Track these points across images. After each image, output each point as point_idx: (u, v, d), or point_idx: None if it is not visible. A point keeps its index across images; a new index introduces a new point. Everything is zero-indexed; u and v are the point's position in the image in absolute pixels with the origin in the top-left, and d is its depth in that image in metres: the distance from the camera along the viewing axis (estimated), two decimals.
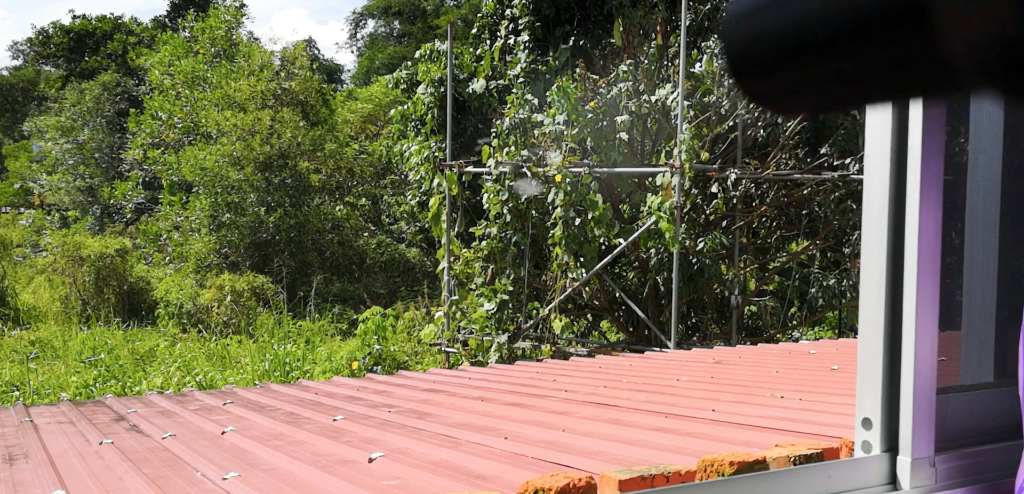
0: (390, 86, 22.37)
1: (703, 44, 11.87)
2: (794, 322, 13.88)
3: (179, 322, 18.67)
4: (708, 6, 12.97)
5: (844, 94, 0.39)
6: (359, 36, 53.13)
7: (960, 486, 1.79)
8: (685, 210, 11.50)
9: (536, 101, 12.55)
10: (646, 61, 12.55)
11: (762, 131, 11.56)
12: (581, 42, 13.40)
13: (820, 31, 0.37)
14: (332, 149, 23.72)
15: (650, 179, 11.72)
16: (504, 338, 11.80)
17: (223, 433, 3.32)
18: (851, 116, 11.56)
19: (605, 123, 11.78)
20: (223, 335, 17.48)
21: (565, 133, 11.51)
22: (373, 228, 25.15)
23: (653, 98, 11.63)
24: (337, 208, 24.16)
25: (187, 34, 28.98)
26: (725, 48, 0.43)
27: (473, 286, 12.75)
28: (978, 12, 0.30)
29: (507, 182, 11.69)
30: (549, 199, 11.45)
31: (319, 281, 21.28)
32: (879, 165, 1.73)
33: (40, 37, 43.26)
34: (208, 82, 25.09)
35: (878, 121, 1.72)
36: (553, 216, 11.36)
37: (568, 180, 11.14)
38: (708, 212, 12.75)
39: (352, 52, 67.74)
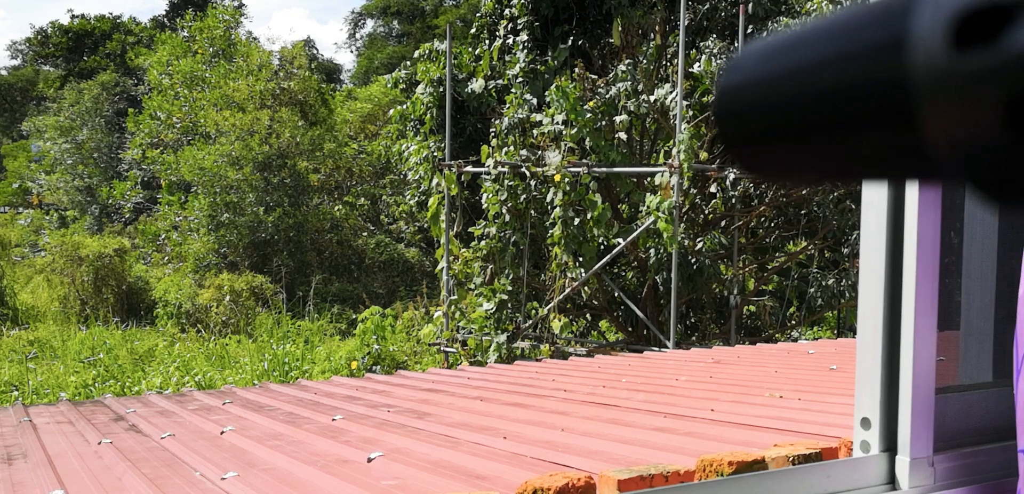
0: (389, 86, 22.34)
1: (702, 44, 11.87)
2: (793, 322, 13.89)
3: (178, 322, 18.66)
4: (707, 6, 12.97)
5: (831, 173, 0.41)
6: (358, 36, 53.14)
7: (959, 486, 1.79)
8: (684, 210, 11.50)
9: (535, 101, 12.54)
10: (645, 61, 12.55)
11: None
12: (580, 42, 13.40)
13: (809, 114, 0.38)
14: (331, 149, 23.72)
15: (649, 179, 11.72)
16: (503, 338, 11.80)
17: (222, 433, 3.32)
18: None
19: (604, 123, 11.79)
20: (222, 335, 17.47)
21: (564, 133, 11.51)
22: (372, 228, 25.14)
23: (652, 98, 11.63)
24: (336, 208, 24.15)
25: (186, 34, 28.96)
26: (717, 118, 0.44)
27: (472, 286, 12.75)
28: (961, 118, 0.31)
29: (506, 182, 11.69)
30: (548, 199, 11.45)
31: (318, 281, 21.27)
32: None
33: (39, 37, 43.24)
34: (207, 82, 25.08)
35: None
36: (552, 216, 11.36)
37: (567, 180, 11.14)
38: (707, 212, 12.75)
39: (351, 52, 67.77)
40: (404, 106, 15.05)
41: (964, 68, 0.30)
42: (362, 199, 25.04)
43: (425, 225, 18.50)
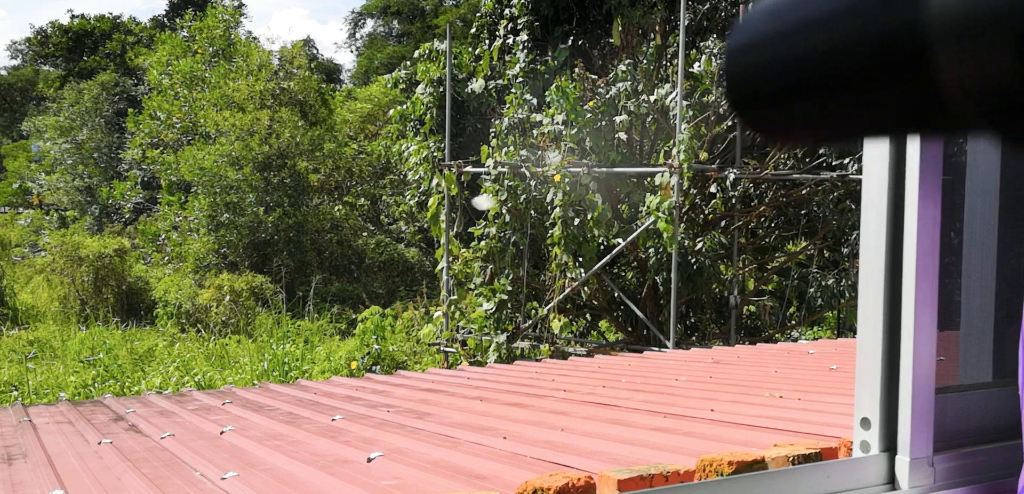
0: (389, 86, 22.36)
1: (702, 44, 11.87)
2: (793, 322, 13.89)
3: (178, 322, 18.66)
4: (707, 6, 12.97)
5: (843, 129, 0.40)
6: (358, 36, 53.15)
7: (958, 486, 1.79)
8: (684, 210, 11.50)
9: (535, 101, 12.54)
10: (645, 61, 12.55)
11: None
12: (580, 42, 13.40)
13: (821, 68, 0.37)
14: (331, 149, 23.72)
15: (649, 179, 11.72)
16: (503, 338, 11.80)
17: (222, 433, 3.32)
18: None
19: (604, 123, 11.79)
20: (222, 335, 17.47)
21: (564, 133, 11.51)
22: (372, 228, 25.14)
23: (652, 98, 11.63)
24: (336, 208, 24.15)
25: (185, 34, 28.97)
26: (725, 80, 0.43)
27: (472, 286, 12.75)
28: (977, 59, 0.31)
29: (506, 182, 11.69)
30: (548, 199, 11.45)
31: (318, 281, 21.27)
32: (878, 165, 1.73)
33: (39, 37, 43.24)
34: (206, 82, 25.08)
35: None
36: (552, 216, 11.36)
37: (567, 180, 11.14)
38: (707, 212, 12.75)
39: (351, 52, 67.77)
40: (404, 106, 15.06)
41: (977, 9, 0.30)
42: (362, 199, 25.04)
43: (425, 225, 18.50)
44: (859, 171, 10.43)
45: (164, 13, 42.42)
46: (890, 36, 0.33)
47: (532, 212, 11.75)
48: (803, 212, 12.62)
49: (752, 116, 0.42)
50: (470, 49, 14.90)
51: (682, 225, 11.27)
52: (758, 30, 0.41)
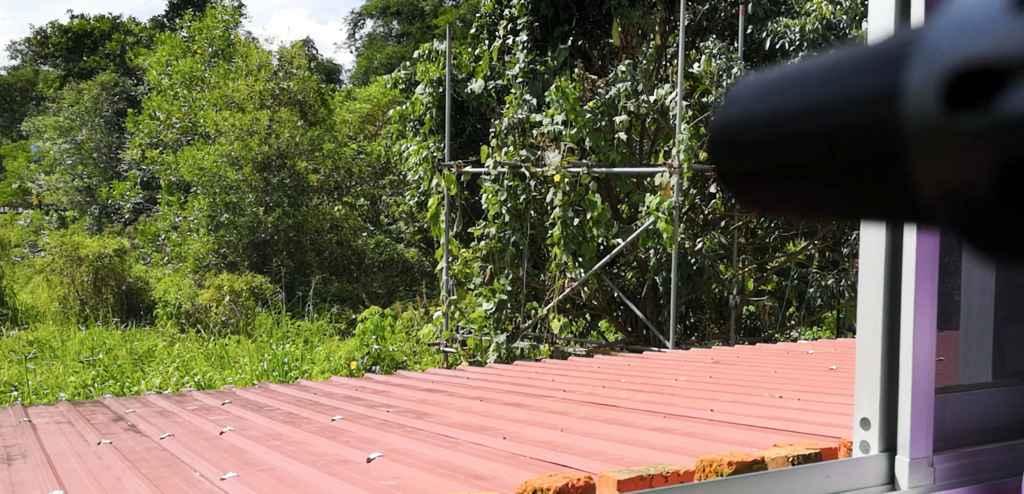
0: (388, 86, 22.35)
1: (701, 44, 11.87)
2: (792, 322, 13.89)
3: (177, 322, 18.66)
4: (706, 6, 12.97)
5: (823, 211, 0.41)
6: (358, 36, 53.16)
7: (958, 486, 1.79)
8: (683, 210, 11.50)
9: (534, 101, 12.54)
10: (644, 61, 12.55)
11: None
12: (579, 42, 13.40)
13: (803, 155, 0.39)
14: (330, 149, 23.72)
15: (648, 179, 11.72)
16: (503, 338, 11.80)
17: (221, 433, 3.32)
18: None
19: (603, 123, 11.78)
20: (221, 335, 17.47)
21: (563, 133, 11.51)
22: (372, 228, 25.14)
23: (651, 98, 11.63)
24: (335, 208, 24.15)
25: (185, 34, 28.97)
26: (712, 153, 0.45)
27: (472, 286, 12.75)
28: (950, 171, 0.32)
29: (506, 182, 11.69)
30: (548, 199, 11.45)
31: (317, 281, 21.27)
32: None
33: (38, 37, 43.23)
34: (206, 82, 25.08)
35: None
36: (552, 216, 11.36)
37: (566, 180, 11.14)
38: (706, 212, 12.75)
39: (351, 52, 67.78)
40: (404, 106, 15.05)
41: (955, 128, 0.31)
42: (362, 199, 25.04)
43: (425, 225, 18.49)
44: None
45: (164, 13, 42.44)
46: (870, 134, 0.35)
47: (532, 212, 11.75)
48: None
49: (736, 190, 0.44)
50: (470, 49, 14.90)
51: (682, 225, 11.27)
52: (745, 107, 0.43)
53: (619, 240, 11.69)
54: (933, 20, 0.32)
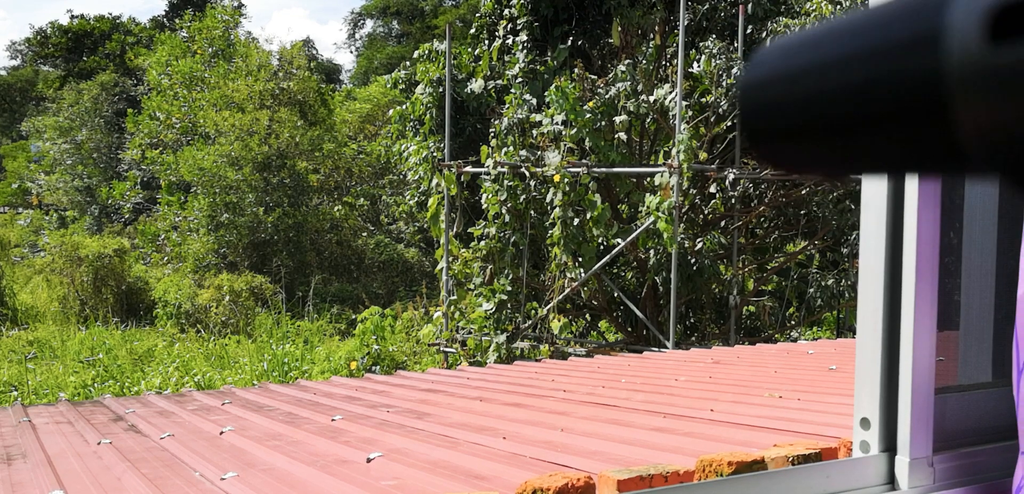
0: (388, 86, 22.35)
1: (701, 44, 11.88)
2: (792, 322, 13.89)
3: (177, 322, 18.65)
4: (706, 6, 12.97)
5: (857, 166, 0.41)
6: (358, 36, 53.17)
7: (958, 486, 1.79)
8: (683, 210, 11.50)
9: (534, 101, 12.54)
10: (644, 61, 12.55)
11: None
12: (579, 42, 13.40)
13: (837, 108, 0.38)
14: (330, 149, 23.72)
15: (648, 179, 11.72)
16: (502, 338, 11.80)
17: (221, 433, 3.32)
18: None
19: (603, 123, 11.78)
20: (221, 335, 17.47)
21: (563, 133, 11.51)
22: (372, 228, 25.14)
23: (651, 98, 11.63)
24: (335, 208, 24.15)
25: (185, 34, 28.97)
26: (741, 113, 0.44)
27: (471, 286, 12.75)
28: (996, 110, 0.31)
29: (505, 182, 11.69)
30: (548, 199, 11.46)
31: (317, 281, 21.27)
32: None
33: (38, 37, 43.24)
34: (206, 82, 25.08)
35: None
36: (552, 216, 11.36)
37: (566, 180, 11.14)
38: (706, 212, 12.75)
39: (351, 52, 67.80)
40: (403, 106, 15.05)
41: (999, 62, 0.31)
42: (362, 199, 25.04)
43: (425, 225, 18.49)
44: None
45: (163, 13, 42.44)
46: (909, 82, 0.34)
47: (532, 212, 11.75)
48: (803, 212, 12.63)
49: (766, 150, 0.44)
50: (470, 49, 14.90)
51: (682, 225, 11.27)
52: (774, 66, 0.42)
53: (619, 240, 11.69)
54: None
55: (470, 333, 12.50)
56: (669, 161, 10.97)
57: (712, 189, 12.09)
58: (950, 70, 0.32)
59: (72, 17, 42.04)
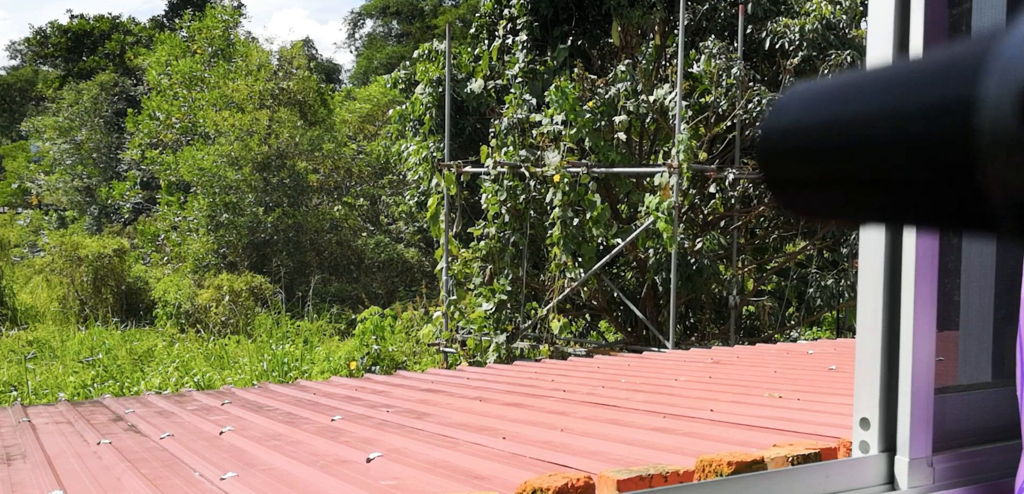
0: (388, 86, 22.37)
1: (701, 44, 11.88)
2: (792, 322, 13.89)
3: (177, 322, 18.65)
4: (706, 6, 12.97)
5: (879, 218, 0.41)
6: (357, 36, 53.17)
7: (958, 486, 1.79)
8: (683, 210, 11.50)
9: (534, 101, 12.54)
10: (644, 61, 12.55)
11: (760, 131, 11.56)
12: (579, 42, 13.41)
13: (861, 163, 0.39)
14: (330, 149, 23.72)
15: (648, 179, 11.72)
16: (502, 338, 11.80)
17: (221, 433, 3.32)
18: None
19: (603, 123, 11.79)
20: (221, 335, 17.47)
21: (563, 133, 11.51)
22: (371, 228, 25.14)
23: (651, 98, 11.63)
24: (335, 208, 24.15)
25: (184, 34, 28.96)
26: (761, 160, 0.45)
27: (471, 286, 12.75)
28: (1022, 182, 0.32)
29: (505, 182, 11.69)
30: (547, 199, 11.46)
31: (317, 281, 21.27)
32: None
33: (38, 37, 43.23)
34: (206, 82, 25.08)
35: None
36: (551, 216, 11.36)
37: (566, 180, 11.14)
38: (706, 212, 12.75)
39: (350, 52, 67.79)
40: (403, 106, 15.06)
41: None
42: (361, 199, 25.04)
43: (424, 225, 18.49)
44: None
45: (163, 13, 42.45)
46: (940, 144, 0.34)
47: (531, 212, 11.75)
48: None
49: (786, 197, 0.44)
50: (469, 49, 14.90)
51: (681, 225, 11.27)
52: (797, 115, 0.42)
53: (619, 240, 11.69)
54: (1009, 31, 0.32)
55: (470, 333, 12.51)
56: (669, 161, 10.97)
57: (712, 189, 12.09)
58: (982, 140, 0.32)
59: (72, 17, 42.05)
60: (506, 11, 14.01)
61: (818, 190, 0.42)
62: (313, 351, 15.45)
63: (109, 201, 29.85)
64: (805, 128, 0.42)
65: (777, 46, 12.20)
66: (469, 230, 13.12)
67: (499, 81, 14.16)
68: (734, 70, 11.34)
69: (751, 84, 11.50)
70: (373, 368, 13.28)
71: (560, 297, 11.77)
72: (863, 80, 0.39)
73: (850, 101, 0.39)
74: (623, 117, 11.81)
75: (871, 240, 1.77)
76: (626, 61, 12.25)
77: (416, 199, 15.06)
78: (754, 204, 12.42)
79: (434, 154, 13.75)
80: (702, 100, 11.86)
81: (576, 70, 12.26)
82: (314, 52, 46.53)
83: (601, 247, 11.84)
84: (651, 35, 13.23)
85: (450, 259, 12.87)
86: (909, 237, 1.71)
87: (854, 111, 0.39)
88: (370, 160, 24.83)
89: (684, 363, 5.44)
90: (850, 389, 1.84)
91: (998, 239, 0.35)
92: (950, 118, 0.34)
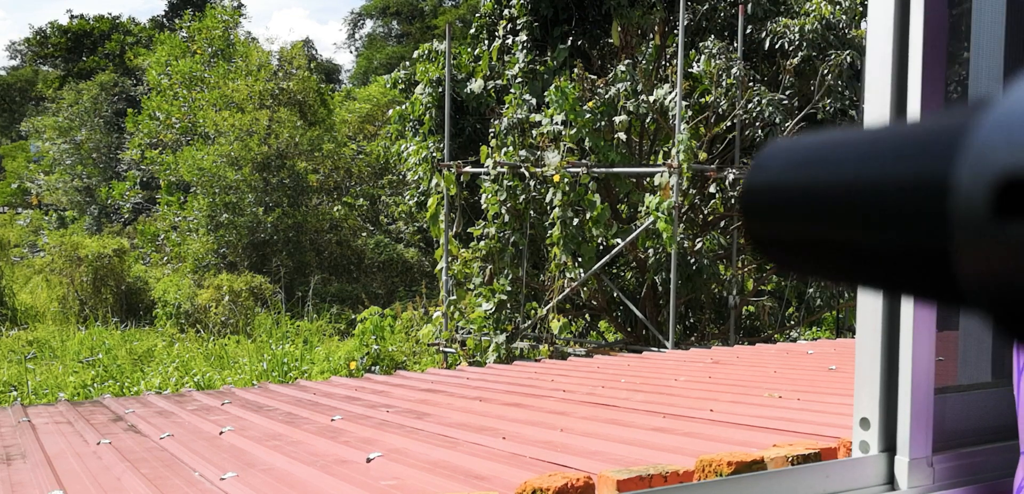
0: (388, 86, 22.35)
1: (701, 44, 11.88)
2: (792, 322, 13.89)
3: (177, 322, 18.65)
4: (706, 6, 12.97)
5: (858, 282, 0.42)
6: (357, 36, 53.18)
7: (958, 486, 1.79)
8: (683, 210, 11.50)
9: (534, 101, 12.54)
10: (644, 61, 12.55)
11: (760, 131, 11.59)
12: (579, 42, 13.41)
13: (840, 229, 0.39)
14: (330, 149, 23.71)
15: (648, 179, 11.72)
16: (502, 338, 11.80)
17: (221, 433, 3.32)
18: (849, 115, 11.57)
19: (603, 123, 11.79)
20: (221, 335, 17.46)
21: (563, 133, 11.51)
22: (371, 228, 25.14)
23: (651, 98, 11.63)
24: (335, 208, 24.15)
25: (184, 34, 28.96)
26: (744, 216, 0.46)
27: (471, 286, 12.75)
28: (993, 268, 0.32)
29: (505, 182, 11.69)
30: (547, 199, 11.46)
31: (317, 281, 21.27)
32: None
33: (38, 37, 43.22)
34: (205, 82, 25.07)
35: (875, 114, 1.72)
36: (551, 216, 11.36)
37: (566, 180, 11.14)
38: (706, 212, 12.75)
39: (350, 52, 67.78)
40: (403, 106, 15.05)
41: (1002, 236, 0.31)
42: (361, 199, 25.04)
43: (424, 225, 18.49)
44: None
45: (163, 13, 42.45)
46: (913, 221, 0.35)
47: (531, 212, 11.75)
48: None
49: (769, 253, 0.45)
50: (469, 49, 14.90)
51: (681, 225, 11.27)
52: (778, 175, 0.43)
53: (619, 240, 11.69)
54: (985, 115, 0.32)
55: (470, 333, 12.50)
56: (669, 161, 10.97)
57: (712, 189, 12.09)
58: (953, 225, 0.33)
59: (72, 17, 42.04)
60: (506, 11, 14.01)
61: (799, 250, 0.42)
62: (313, 351, 15.45)
63: (109, 201, 29.85)
64: (786, 188, 0.42)
65: (777, 46, 12.20)
66: (469, 230, 13.12)
67: (499, 81, 14.16)
68: (734, 70, 11.34)
69: (751, 84, 11.51)
70: (373, 368, 13.28)
71: (560, 297, 11.77)
72: (844, 143, 0.39)
73: (830, 165, 0.39)
74: (623, 117, 11.81)
75: None
76: (626, 61, 12.25)
77: (416, 199, 15.06)
78: None
79: (434, 154, 13.75)
80: (702, 100, 11.86)
81: (576, 70, 12.26)
82: (314, 52, 46.52)
83: (601, 247, 11.84)
84: (651, 35, 13.24)
85: (450, 259, 12.87)
86: None
87: (834, 177, 0.39)
88: (370, 160, 24.83)
89: (684, 363, 5.44)
90: (850, 389, 1.84)
91: (970, 314, 0.35)
92: (924, 198, 0.34)
